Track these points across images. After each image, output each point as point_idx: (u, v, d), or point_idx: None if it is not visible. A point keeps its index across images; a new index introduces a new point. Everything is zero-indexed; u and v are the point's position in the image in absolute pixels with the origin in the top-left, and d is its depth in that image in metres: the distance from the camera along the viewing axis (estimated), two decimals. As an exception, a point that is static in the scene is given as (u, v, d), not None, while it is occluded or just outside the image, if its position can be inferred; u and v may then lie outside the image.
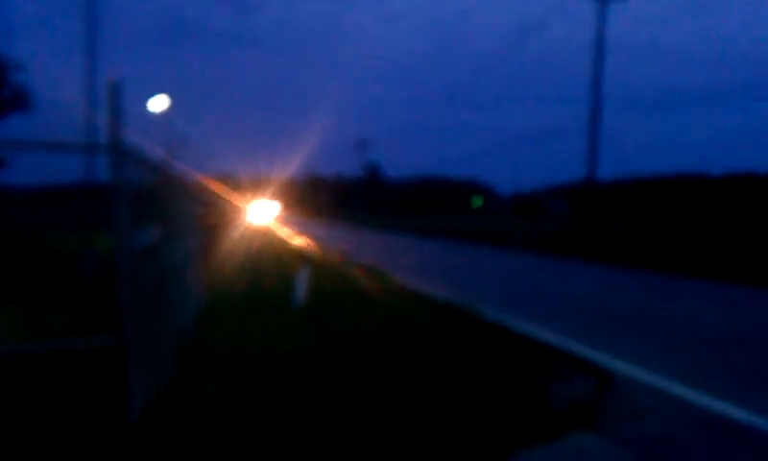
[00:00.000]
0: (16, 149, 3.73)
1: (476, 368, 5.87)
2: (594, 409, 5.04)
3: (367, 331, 7.40)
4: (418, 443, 4.14)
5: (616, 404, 5.25)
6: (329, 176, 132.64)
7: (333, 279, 12.61)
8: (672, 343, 8.06)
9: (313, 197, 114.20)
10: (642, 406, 5.22)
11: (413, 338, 7.03)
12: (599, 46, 28.01)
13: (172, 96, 24.19)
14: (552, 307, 10.93)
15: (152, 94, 23.72)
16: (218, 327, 7.71)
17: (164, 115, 25.46)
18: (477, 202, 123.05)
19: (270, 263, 15.63)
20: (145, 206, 4.57)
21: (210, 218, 13.21)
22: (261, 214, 35.11)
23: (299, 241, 25.73)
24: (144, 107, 23.00)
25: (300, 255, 11.97)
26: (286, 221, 53.98)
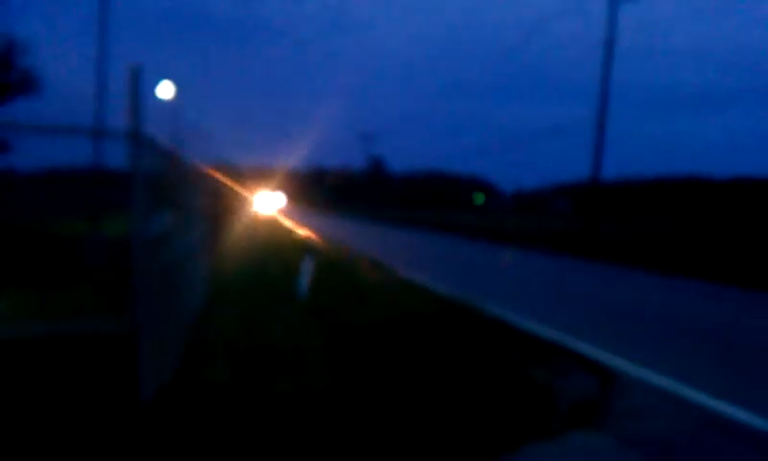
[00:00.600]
0: (34, 133, 3.76)
1: (480, 363, 5.92)
2: (598, 407, 5.08)
3: (371, 322, 7.45)
4: (416, 440, 4.18)
5: (620, 402, 5.28)
6: (333, 168, 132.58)
7: (336, 270, 12.67)
8: (675, 342, 8.11)
9: (317, 189, 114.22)
10: (646, 405, 5.26)
11: (417, 332, 7.08)
12: (609, 46, 27.95)
13: (177, 84, 24.21)
14: (552, 304, 10.98)
15: (156, 81, 23.73)
16: (224, 315, 7.76)
17: (171, 103, 25.44)
18: (479, 198, 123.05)
19: (275, 253, 15.69)
20: (158, 194, 4.61)
21: (216, 207, 13.26)
22: (266, 205, 35.19)
23: (303, 232, 25.79)
24: (149, 93, 23.02)
25: (304, 246, 12.02)
26: (290, 213, 54.03)
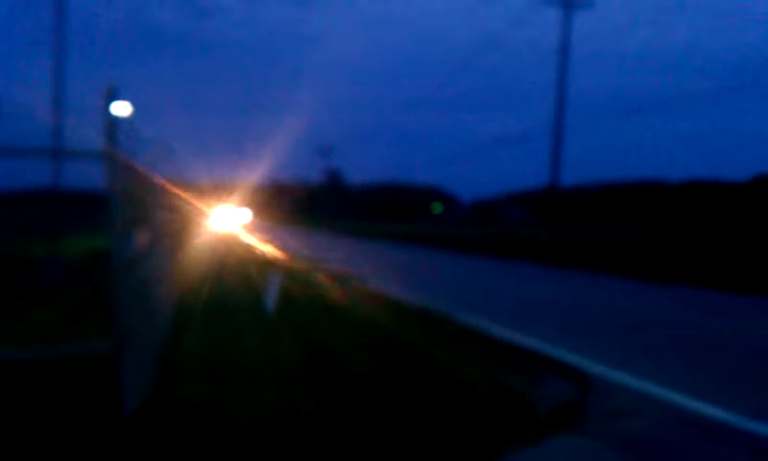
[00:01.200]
0: (12, 156, 3.71)
1: (456, 371, 5.99)
2: (577, 410, 5.20)
3: (341, 335, 7.49)
4: (401, 448, 4.22)
5: (597, 405, 5.40)
6: (292, 182, 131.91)
7: (301, 285, 12.61)
8: (643, 344, 8.34)
9: (277, 203, 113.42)
10: (623, 406, 5.38)
11: (387, 343, 7.12)
12: (563, 53, 28.66)
13: (133, 100, 23.82)
14: (516, 311, 11.17)
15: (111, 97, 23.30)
16: (192, 335, 7.67)
17: (126, 119, 25.04)
18: (437, 208, 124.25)
19: (239, 271, 15.53)
20: (129, 213, 4.58)
21: (177, 224, 13.07)
22: (228, 221, 34.76)
23: (266, 248, 25.61)
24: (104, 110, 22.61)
25: (268, 263, 11.96)
26: (254, 228, 53.63)
